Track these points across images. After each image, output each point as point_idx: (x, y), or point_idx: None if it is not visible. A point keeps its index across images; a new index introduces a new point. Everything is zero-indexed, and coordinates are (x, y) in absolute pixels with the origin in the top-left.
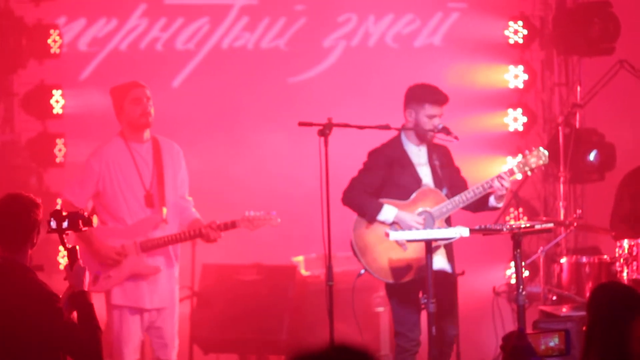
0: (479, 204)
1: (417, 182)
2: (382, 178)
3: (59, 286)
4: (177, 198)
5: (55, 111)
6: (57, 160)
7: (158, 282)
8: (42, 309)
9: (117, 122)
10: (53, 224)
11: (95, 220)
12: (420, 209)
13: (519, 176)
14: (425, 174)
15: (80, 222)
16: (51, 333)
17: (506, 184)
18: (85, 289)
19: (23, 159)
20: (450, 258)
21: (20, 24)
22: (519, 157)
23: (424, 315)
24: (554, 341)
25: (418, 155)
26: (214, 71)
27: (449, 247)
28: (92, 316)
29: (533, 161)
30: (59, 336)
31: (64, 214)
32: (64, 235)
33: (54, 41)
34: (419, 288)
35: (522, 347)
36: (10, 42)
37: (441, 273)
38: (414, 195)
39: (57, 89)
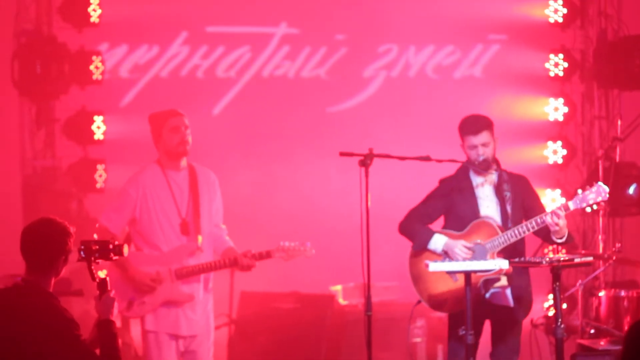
0: (546, 238)
1: (475, 213)
2: (442, 208)
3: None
4: (212, 226)
5: (96, 137)
6: (98, 185)
7: (192, 309)
8: (60, 335)
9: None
10: (83, 253)
11: (125, 249)
12: (474, 241)
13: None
14: (487, 205)
15: (110, 251)
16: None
17: (558, 221)
18: (112, 318)
19: (64, 184)
20: (515, 287)
21: (63, 50)
22: (579, 192)
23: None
24: None
25: (483, 186)
26: (254, 99)
27: (516, 278)
28: (114, 346)
29: (592, 197)
30: None
31: (95, 242)
32: (93, 266)
33: (96, 67)
34: (478, 318)
35: None
36: (53, 69)
37: (500, 307)
38: (468, 227)
39: (98, 115)
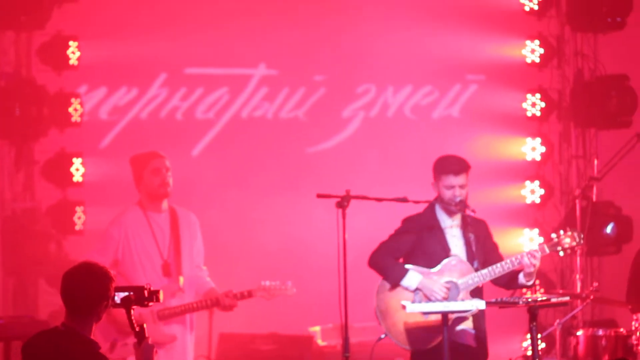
0: (509, 281)
1: (446, 251)
2: (411, 244)
3: None
4: (194, 267)
5: (75, 179)
6: (77, 227)
7: (173, 350)
8: None
9: (136, 191)
10: (117, 299)
11: (161, 295)
12: (446, 279)
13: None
14: (456, 245)
15: (145, 299)
16: None
17: (535, 262)
18: None
19: (43, 226)
20: (478, 329)
21: (42, 92)
22: (553, 235)
23: None
24: None
25: (451, 225)
26: (233, 140)
27: (478, 318)
28: None
29: (567, 242)
30: None
31: (130, 289)
32: (131, 311)
33: (75, 109)
34: (441, 358)
35: None
36: (32, 111)
37: (465, 346)
38: (441, 265)
39: (77, 157)
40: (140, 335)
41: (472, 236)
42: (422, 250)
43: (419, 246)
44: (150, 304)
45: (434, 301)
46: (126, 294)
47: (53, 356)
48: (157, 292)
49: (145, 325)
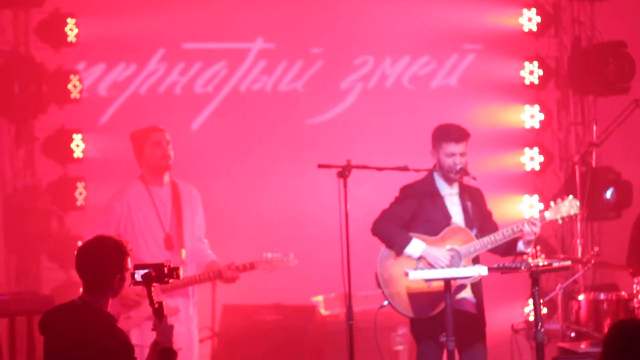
0: (508, 248)
1: (447, 218)
2: (413, 211)
3: None
4: (195, 240)
5: (75, 155)
6: (78, 203)
7: (177, 323)
8: (113, 358)
9: (136, 166)
10: (138, 277)
11: (181, 271)
12: (448, 247)
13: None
14: (455, 213)
15: (165, 275)
16: None
17: (536, 229)
18: (175, 348)
19: (44, 202)
20: (477, 297)
21: (41, 70)
22: (552, 204)
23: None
24: None
25: (450, 193)
26: (232, 114)
27: (477, 287)
28: None
29: (564, 210)
30: None
31: (151, 267)
32: (151, 289)
33: (74, 86)
34: (443, 326)
35: None
36: (31, 88)
37: (466, 313)
38: (443, 232)
39: (77, 134)
40: (159, 312)
41: (469, 204)
42: (423, 217)
43: (420, 214)
44: (171, 280)
45: (437, 268)
46: (146, 271)
47: (70, 329)
48: (177, 268)
49: (164, 303)
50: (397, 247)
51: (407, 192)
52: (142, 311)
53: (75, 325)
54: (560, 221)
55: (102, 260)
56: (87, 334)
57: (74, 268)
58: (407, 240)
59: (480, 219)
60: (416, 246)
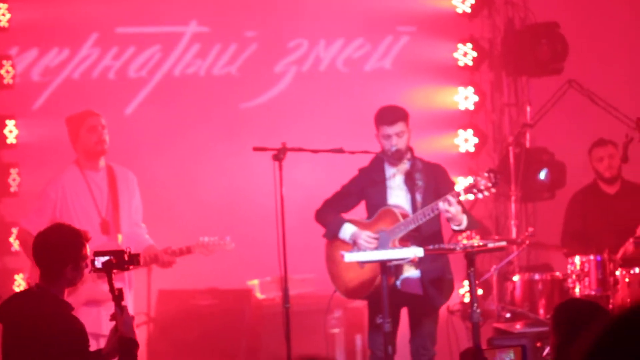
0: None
1: (383, 202)
2: (356, 197)
3: None
4: (132, 225)
5: (9, 141)
6: (12, 189)
7: (113, 308)
8: (68, 345)
9: (71, 151)
10: (98, 264)
11: (142, 258)
12: (379, 228)
13: (470, 197)
14: (397, 195)
15: (125, 262)
16: None
17: (449, 207)
18: (136, 338)
19: None
20: (426, 275)
21: None
22: (469, 178)
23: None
24: (509, 356)
25: (394, 175)
26: (166, 98)
27: (427, 264)
28: None
29: (482, 183)
30: None
31: (110, 254)
32: (112, 276)
33: (7, 72)
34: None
35: None
36: None
37: (409, 294)
38: (375, 216)
39: (10, 119)
40: (119, 299)
41: (420, 183)
42: (368, 202)
43: (365, 199)
44: (131, 267)
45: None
46: (107, 258)
47: (26, 316)
48: (137, 255)
49: (122, 289)
50: (331, 232)
51: (356, 177)
52: (79, 296)
53: (32, 312)
54: (480, 195)
55: (57, 248)
56: (42, 320)
57: (8, 255)
58: (340, 225)
59: (435, 197)
60: (346, 230)
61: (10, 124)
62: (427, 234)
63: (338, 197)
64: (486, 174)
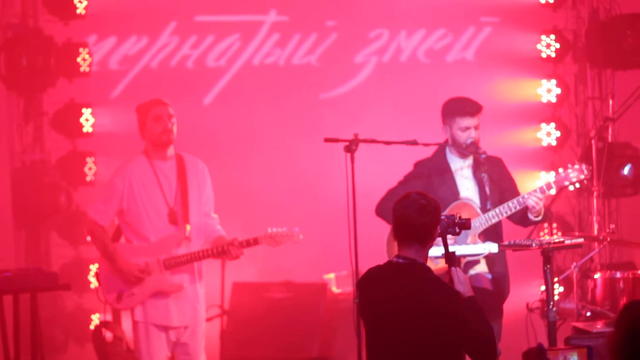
0: (521, 219)
1: (455, 195)
2: (420, 189)
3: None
4: (202, 215)
5: (85, 130)
6: (88, 178)
7: (182, 300)
8: (446, 310)
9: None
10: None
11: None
12: None
13: (553, 191)
14: (467, 187)
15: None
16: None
17: (535, 200)
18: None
19: (53, 177)
20: (494, 272)
21: (50, 43)
22: (560, 170)
23: None
24: (573, 358)
25: (462, 168)
26: (245, 88)
27: (494, 261)
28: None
29: (573, 175)
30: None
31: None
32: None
33: (84, 59)
34: None
35: None
36: (39, 62)
37: (481, 289)
38: (448, 209)
39: (87, 108)
40: (451, 261)
41: (485, 176)
42: (432, 195)
43: (429, 191)
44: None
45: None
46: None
47: (400, 288)
48: (468, 220)
49: (455, 252)
50: None
51: (417, 170)
52: (146, 288)
53: (404, 282)
54: (571, 187)
55: (430, 215)
56: (418, 289)
57: (84, 244)
58: None
59: (498, 191)
60: None
61: (87, 112)
62: (490, 228)
63: (402, 188)
64: (577, 166)
